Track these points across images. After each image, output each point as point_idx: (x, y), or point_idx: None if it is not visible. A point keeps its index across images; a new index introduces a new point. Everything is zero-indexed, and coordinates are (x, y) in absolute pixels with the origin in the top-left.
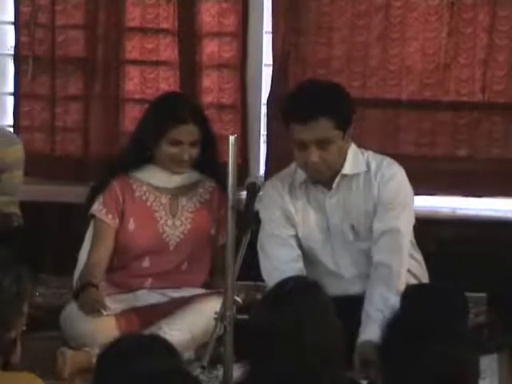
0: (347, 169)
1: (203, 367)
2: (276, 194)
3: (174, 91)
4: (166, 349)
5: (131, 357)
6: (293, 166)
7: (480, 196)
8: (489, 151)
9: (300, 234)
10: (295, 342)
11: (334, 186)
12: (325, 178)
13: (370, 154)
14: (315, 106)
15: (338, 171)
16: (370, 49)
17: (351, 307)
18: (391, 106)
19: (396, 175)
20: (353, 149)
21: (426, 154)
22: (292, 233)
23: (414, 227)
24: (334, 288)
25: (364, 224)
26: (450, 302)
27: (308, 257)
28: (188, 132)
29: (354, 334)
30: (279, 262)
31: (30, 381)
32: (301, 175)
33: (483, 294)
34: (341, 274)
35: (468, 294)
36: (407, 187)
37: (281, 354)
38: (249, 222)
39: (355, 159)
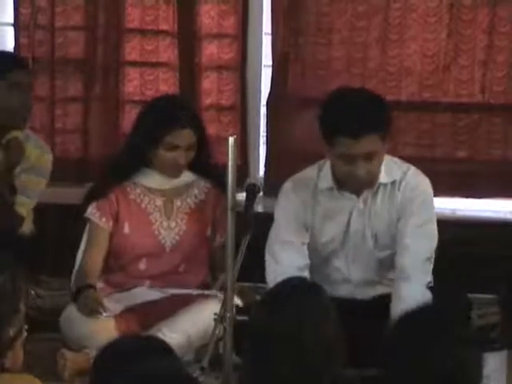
0: (384, 178)
1: (202, 368)
2: (297, 199)
3: (168, 94)
4: (164, 350)
5: (129, 358)
6: (314, 171)
7: (480, 197)
8: (488, 152)
9: (322, 240)
10: (295, 343)
11: (365, 194)
12: (366, 189)
13: (397, 161)
14: (367, 122)
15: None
16: (370, 50)
17: (358, 309)
18: (391, 108)
19: (421, 184)
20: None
21: (425, 155)
22: (306, 240)
23: None
24: (342, 291)
25: (386, 232)
26: (452, 304)
27: (321, 260)
28: (184, 136)
29: (356, 335)
30: (289, 267)
31: (29, 382)
32: (325, 182)
33: (485, 296)
34: (350, 278)
35: (470, 296)
36: (430, 196)
37: (281, 355)
38: (249, 223)
39: (388, 167)
